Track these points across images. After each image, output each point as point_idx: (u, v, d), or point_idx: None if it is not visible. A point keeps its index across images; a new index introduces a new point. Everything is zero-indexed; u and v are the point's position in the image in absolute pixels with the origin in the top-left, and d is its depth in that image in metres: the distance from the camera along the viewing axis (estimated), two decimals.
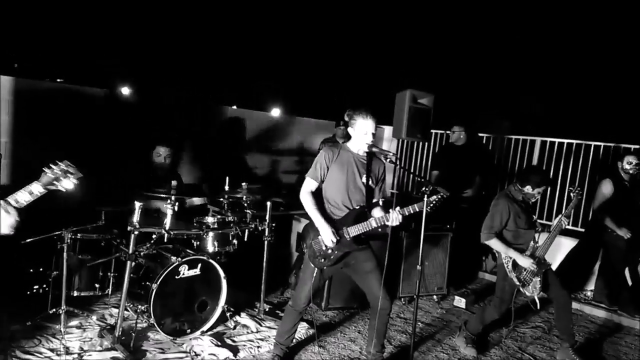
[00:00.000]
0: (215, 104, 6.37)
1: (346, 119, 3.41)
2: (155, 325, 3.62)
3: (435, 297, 5.31)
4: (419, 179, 3.25)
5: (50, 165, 2.19)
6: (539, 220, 4.33)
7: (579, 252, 5.76)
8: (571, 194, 4.05)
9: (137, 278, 3.82)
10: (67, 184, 2.20)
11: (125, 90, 6.03)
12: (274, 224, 4.51)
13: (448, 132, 6.51)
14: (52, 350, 3.40)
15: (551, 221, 6.27)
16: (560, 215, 3.98)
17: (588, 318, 5.28)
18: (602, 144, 6.24)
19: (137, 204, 3.67)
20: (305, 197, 3.33)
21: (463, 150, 6.19)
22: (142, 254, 3.87)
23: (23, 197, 2.12)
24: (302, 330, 4.11)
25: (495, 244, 3.91)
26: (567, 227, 4.05)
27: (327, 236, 3.22)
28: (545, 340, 4.54)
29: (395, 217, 3.19)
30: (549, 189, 4.51)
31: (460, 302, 5.23)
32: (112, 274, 4.03)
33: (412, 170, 7.52)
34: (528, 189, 3.93)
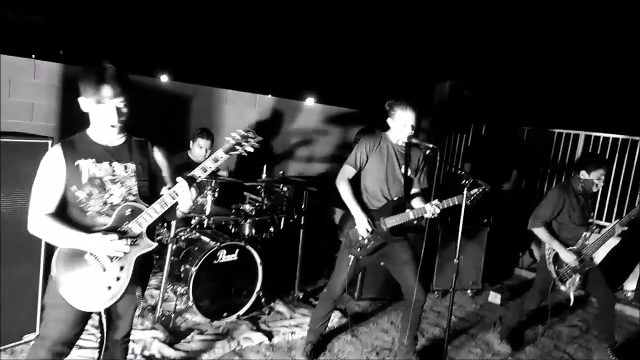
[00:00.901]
0: (251, 93, 6.41)
1: (387, 108, 3.37)
2: (194, 307, 3.72)
3: (469, 291, 5.26)
4: (459, 172, 3.19)
5: (232, 133, 2.29)
6: (596, 222, 4.14)
7: (622, 250, 5.57)
8: (639, 196, 3.85)
9: (177, 261, 3.93)
10: (249, 148, 2.29)
11: (164, 79, 6.15)
12: (309, 213, 4.55)
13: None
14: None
15: (601, 220, 6.08)
16: (615, 222, 3.84)
17: (628, 319, 5.13)
18: None
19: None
20: (342, 185, 3.33)
21: (498, 143, 6.03)
22: (182, 237, 3.99)
23: (206, 166, 2.22)
24: (335, 319, 4.15)
25: (541, 232, 3.81)
26: (623, 228, 3.85)
27: (362, 225, 3.23)
28: (582, 339, 4.45)
29: (431, 210, 3.17)
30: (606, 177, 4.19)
31: (495, 297, 5.16)
32: (154, 256, 4.16)
33: (452, 163, 7.42)
34: (583, 174, 3.77)
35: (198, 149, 4.57)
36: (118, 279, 2.15)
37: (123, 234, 2.11)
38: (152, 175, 2.27)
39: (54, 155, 2.13)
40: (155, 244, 2.22)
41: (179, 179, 2.17)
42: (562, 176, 6.55)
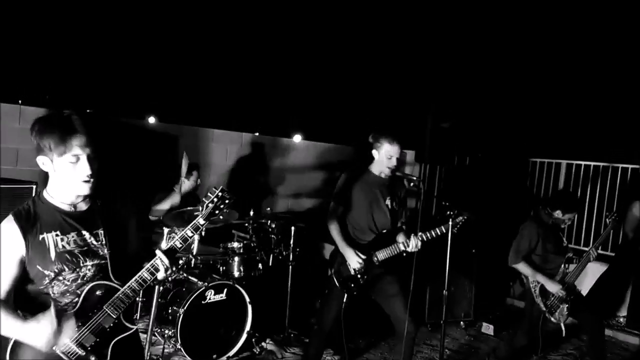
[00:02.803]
0: (237, 132, 6.49)
1: (370, 140, 3.41)
2: (182, 350, 3.64)
3: (462, 323, 5.22)
4: (443, 203, 3.24)
5: (208, 194, 2.11)
6: (570, 246, 4.23)
7: (610, 276, 5.60)
8: (607, 220, 3.95)
9: (164, 303, 3.86)
10: (226, 210, 2.15)
11: (152, 120, 6.21)
12: (298, 249, 4.54)
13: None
14: None
15: (579, 246, 6.18)
16: (590, 247, 3.90)
17: (621, 345, 5.11)
18: (630, 166, 6.14)
19: (165, 230, 3.76)
20: (331, 223, 3.35)
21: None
22: (169, 278, 3.94)
23: (187, 235, 2.06)
24: (328, 357, 4.08)
25: (522, 268, 3.85)
26: (598, 251, 3.94)
27: (353, 260, 3.23)
28: None
29: (414, 244, 3.19)
30: (577, 214, 4.40)
31: (488, 328, 5.12)
32: (140, 299, 4.10)
33: (434, 194, 7.51)
34: (558, 213, 3.87)
35: (193, 181, 4.74)
36: None
37: (91, 318, 1.84)
38: (123, 240, 2.05)
39: (9, 231, 1.80)
40: (134, 327, 1.99)
41: (158, 252, 1.99)
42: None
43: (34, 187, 3.02)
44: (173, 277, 3.88)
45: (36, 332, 1.73)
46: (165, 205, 4.32)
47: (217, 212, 2.11)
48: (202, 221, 2.08)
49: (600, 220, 6.14)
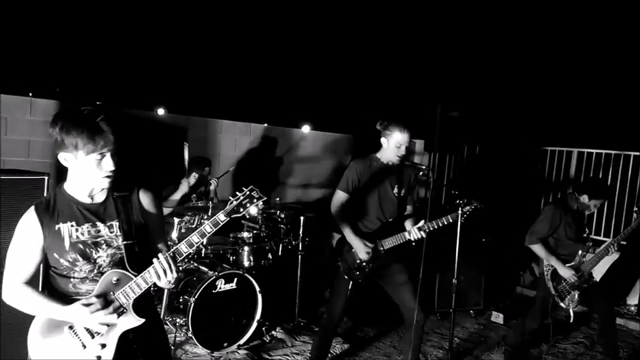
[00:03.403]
0: (246, 122, 6.50)
1: (380, 128, 3.37)
2: (193, 339, 3.69)
3: (471, 312, 5.22)
4: (452, 192, 3.23)
5: (236, 192, 2.08)
6: (593, 237, 4.14)
7: (622, 265, 5.57)
8: (634, 213, 3.87)
9: (175, 292, 3.91)
10: (252, 209, 2.13)
11: (161, 112, 6.23)
12: (307, 239, 4.56)
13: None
14: None
15: (598, 236, 6.11)
16: (611, 240, 3.85)
17: (632, 334, 5.09)
18: None
19: (176, 220, 3.79)
20: (337, 211, 3.34)
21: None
22: (180, 268, 3.97)
23: (206, 230, 2.02)
24: (338, 345, 4.11)
25: (538, 249, 3.81)
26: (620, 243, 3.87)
27: (360, 249, 3.23)
28: (587, 356, 4.40)
29: (415, 232, 3.19)
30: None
31: (497, 317, 5.12)
32: (152, 288, 4.14)
33: (444, 184, 7.48)
34: (584, 198, 3.81)
35: (207, 173, 4.76)
36: (99, 358, 1.91)
37: (108, 304, 1.90)
38: (141, 231, 2.04)
39: (29, 221, 1.91)
40: (142, 320, 1.98)
41: (155, 262, 1.94)
42: (557, 193, 6.59)
43: (46, 178, 3.05)
44: (176, 277, 3.90)
45: (65, 310, 1.86)
46: (176, 196, 4.35)
47: (241, 209, 2.07)
48: (222, 217, 2.04)
49: (611, 210, 6.07)
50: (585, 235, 3.93)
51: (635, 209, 3.89)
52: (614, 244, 3.79)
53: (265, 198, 2.13)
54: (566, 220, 3.81)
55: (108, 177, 1.92)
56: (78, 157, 1.86)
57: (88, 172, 1.89)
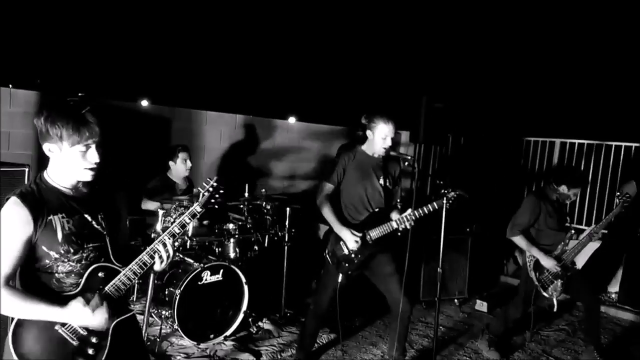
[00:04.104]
0: (231, 114, 6.45)
1: (364, 121, 3.40)
2: (179, 331, 3.68)
3: (456, 301, 5.28)
4: (437, 182, 3.26)
5: (203, 184, 2.16)
6: (574, 226, 4.21)
7: (603, 253, 5.65)
8: (616, 199, 3.88)
9: (161, 284, 3.89)
10: (220, 200, 2.19)
11: (144, 103, 6.16)
12: (293, 230, 4.56)
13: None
14: None
15: (573, 224, 6.24)
16: (592, 227, 3.91)
17: (613, 320, 5.19)
18: (623, 144, 6.16)
19: (160, 212, 3.76)
20: (323, 202, 3.35)
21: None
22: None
23: (185, 222, 2.09)
24: (324, 335, 4.13)
25: (519, 240, 3.87)
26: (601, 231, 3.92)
27: (349, 239, 3.24)
28: (569, 342, 4.49)
29: (411, 218, 3.21)
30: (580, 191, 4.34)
31: (482, 305, 5.19)
32: (136, 281, 4.11)
33: (429, 174, 7.53)
34: (563, 188, 3.86)
35: (182, 164, 4.58)
36: (96, 350, 1.88)
37: (102, 299, 1.87)
38: (120, 225, 2.07)
39: (18, 214, 1.78)
40: (132, 311, 2.02)
41: (162, 236, 2.04)
42: (540, 182, 6.68)
43: (27, 170, 3.00)
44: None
45: (63, 312, 1.79)
46: (152, 206, 4.28)
47: (212, 200, 2.18)
48: (199, 209, 2.13)
49: (593, 199, 6.18)
50: (567, 224, 3.99)
51: (618, 194, 3.93)
52: (596, 232, 3.85)
53: (225, 189, 2.21)
54: (546, 210, 3.86)
55: (92, 169, 1.89)
56: (63, 148, 1.83)
57: (72, 164, 1.85)
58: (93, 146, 1.86)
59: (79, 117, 1.82)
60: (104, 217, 1.97)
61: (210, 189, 2.17)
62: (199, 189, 2.19)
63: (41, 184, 1.90)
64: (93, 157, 1.87)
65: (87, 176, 1.90)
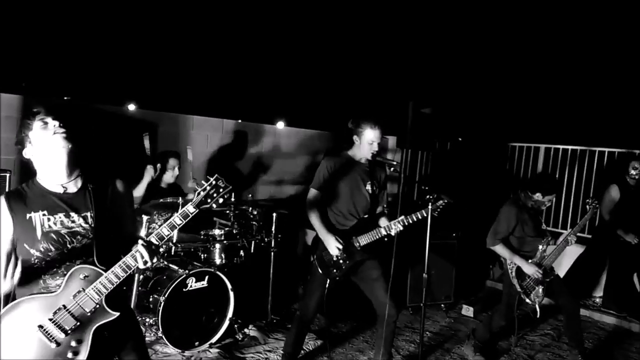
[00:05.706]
0: (218, 118, 6.42)
1: (350, 126, 3.40)
2: (164, 338, 3.63)
3: (442, 306, 5.30)
4: (422, 188, 3.28)
5: (202, 182, 2.08)
6: (548, 229, 4.29)
7: (587, 258, 5.73)
8: (587, 206, 4.01)
9: (145, 291, 3.84)
10: (220, 199, 2.09)
11: (131, 107, 6.11)
12: (280, 236, 4.54)
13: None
14: None
15: (557, 228, 6.32)
16: (568, 232, 3.96)
17: (597, 325, 5.24)
18: (606, 149, 6.25)
19: (144, 218, 3.72)
20: (310, 208, 3.35)
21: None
22: (151, 267, 3.92)
23: (175, 223, 2.04)
24: (311, 342, 4.11)
25: (500, 249, 3.91)
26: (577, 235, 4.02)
27: (332, 245, 3.24)
28: (554, 347, 4.52)
29: (398, 226, 3.22)
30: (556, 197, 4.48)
31: (468, 310, 5.21)
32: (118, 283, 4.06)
33: (416, 180, 7.56)
34: (538, 196, 3.91)
35: (170, 170, 4.54)
36: (75, 354, 1.88)
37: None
38: (113, 224, 2.05)
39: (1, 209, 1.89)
40: (116, 314, 1.97)
41: (140, 243, 1.98)
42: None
43: (8, 175, 2.96)
44: (154, 265, 3.85)
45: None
46: (139, 192, 4.25)
47: (209, 200, 2.08)
48: (192, 209, 2.06)
49: (577, 203, 6.25)
50: (543, 229, 4.04)
51: (588, 200, 4.07)
52: (572, 235, 3.91)
53: (230, 187, 2.12)
54: (522, 218, 3.91)
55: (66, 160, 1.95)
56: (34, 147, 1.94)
57: (45, 162, 1.96)
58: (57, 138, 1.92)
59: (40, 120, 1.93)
60: (95, 217, 1.98)
61: (208, 187, 2.08)
62: (197, 186, 2.11)
63: (31, 184, 2.00)
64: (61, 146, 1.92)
65: (64, 174, 1.97)
